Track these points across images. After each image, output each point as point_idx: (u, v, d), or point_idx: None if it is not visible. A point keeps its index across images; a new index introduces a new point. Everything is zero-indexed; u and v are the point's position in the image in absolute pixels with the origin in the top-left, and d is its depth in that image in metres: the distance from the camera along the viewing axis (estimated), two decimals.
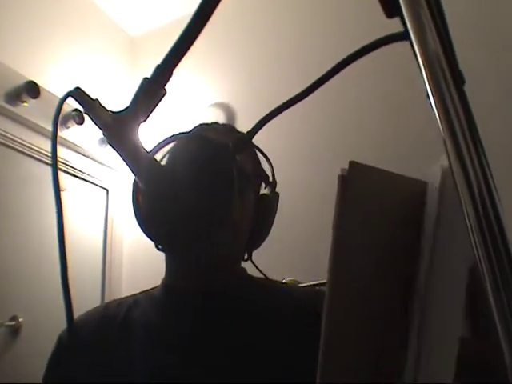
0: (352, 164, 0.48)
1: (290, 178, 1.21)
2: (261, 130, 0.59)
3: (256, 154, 0.90)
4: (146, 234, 0.64)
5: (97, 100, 0.54)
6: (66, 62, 2.24)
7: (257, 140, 0.89)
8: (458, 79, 0.28)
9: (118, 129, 0.55)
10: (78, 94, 0.54)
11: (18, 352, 1.76)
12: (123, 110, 0.55)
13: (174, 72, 0.53)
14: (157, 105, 0.55)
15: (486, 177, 0.25)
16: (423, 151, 1.09)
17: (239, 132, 0.87)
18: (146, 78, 0.54)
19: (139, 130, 0.56)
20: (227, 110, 2.27)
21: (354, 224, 0.49)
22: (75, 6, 2.37)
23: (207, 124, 0.92)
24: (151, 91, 0.54)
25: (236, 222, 0.76)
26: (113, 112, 0.55)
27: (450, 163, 0.26)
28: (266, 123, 0.59)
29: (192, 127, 0.91)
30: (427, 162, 0.52)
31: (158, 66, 0.53)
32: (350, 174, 0.48)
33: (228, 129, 0.93)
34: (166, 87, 0.54)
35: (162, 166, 0.63)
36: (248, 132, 0.62)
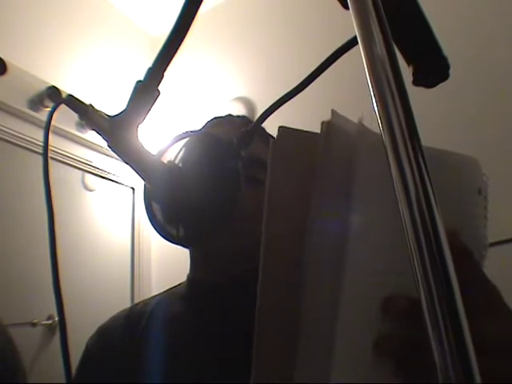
0: (281, 129, 0.49)
1: None
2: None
3: None
4: (161, 236, 0.65)
5: (90, 105, 0.55)
6: (87, 65, 2.29)
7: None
8: (402, 84, 0.27)
9: (115, 132, 0.55)
10: (69, 100, 0.54)
11: (55, 350, 1.81)
12: (120, 113, 0.56)
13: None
14: (152, 106, 0.55)
15: (426, 189, 0.25)
16: None
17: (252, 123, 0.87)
18: (139, 81, 0.54)
19: (138, 131, 0.57)
20: (248, 104, 2.28)
21: (286, 186, 0.49)
22: (95, 10, 2.40)
23: (221, 117, 0.92)
24: (145, 93, 0.54)
25: (252, 213, 0.75)
26: (109, 116, 0.56)
27: (390, 169, 0.26)
28: (267, 116, 0.60)
29: (206, 121, 0.91)
30: None
31: (150, 69, 0.53)
32: (280, 138, 0.49)
33: (242, 121, 0.92)
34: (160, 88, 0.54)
35: (166, 164, 0.64)
36: (252, 126, 0.63)
